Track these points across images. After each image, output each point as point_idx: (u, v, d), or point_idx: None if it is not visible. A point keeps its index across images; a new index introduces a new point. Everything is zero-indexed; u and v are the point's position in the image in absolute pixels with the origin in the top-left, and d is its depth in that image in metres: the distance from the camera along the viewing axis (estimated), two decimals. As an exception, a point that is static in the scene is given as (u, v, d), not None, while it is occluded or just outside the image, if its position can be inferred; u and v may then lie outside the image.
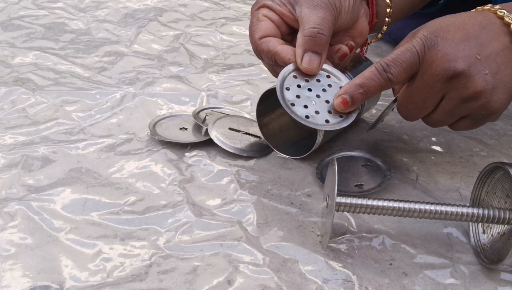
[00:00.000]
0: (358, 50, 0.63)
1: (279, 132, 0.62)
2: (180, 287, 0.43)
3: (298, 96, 0.51)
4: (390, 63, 0.48)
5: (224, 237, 0.48)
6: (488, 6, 0.50)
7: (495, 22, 0.48)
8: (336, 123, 0.50)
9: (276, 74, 0.54)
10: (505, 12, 0.48)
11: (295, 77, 0.52)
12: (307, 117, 0.50)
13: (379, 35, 0.62)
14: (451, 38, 0.47)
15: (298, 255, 0.46)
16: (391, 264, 0.46)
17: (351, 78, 0.59)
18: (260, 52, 0.53)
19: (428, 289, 0.44)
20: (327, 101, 0.51)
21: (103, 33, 0.91)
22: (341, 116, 0.51)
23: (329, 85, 0.52)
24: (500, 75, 0.47)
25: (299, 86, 0.51)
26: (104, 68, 0.79)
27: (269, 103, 0.60)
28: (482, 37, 0.47)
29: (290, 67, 0.52)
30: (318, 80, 0.52)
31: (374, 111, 0.70)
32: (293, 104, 0.50)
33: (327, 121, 0.50)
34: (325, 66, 0.53)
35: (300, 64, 0.51)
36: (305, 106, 0.50)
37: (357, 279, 0.44)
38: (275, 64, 0.53)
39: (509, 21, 0.48)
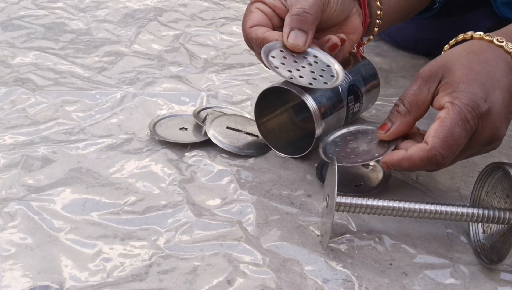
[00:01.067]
0: (355, 50, 0.63)
1: (277, 131, 0.62)
2: (180, 287, 0.43)
3: (283, 63, 0.52)
4: (446, 154, 0.45)
5: (224, 237, 0.48)
6: (487, 37, 0.49)
7: (507, 59, 0.48)
8: (320, 85, 0.52)
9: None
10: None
11: (281, 51, 0.53)
12: (290, 78, 0.51)
13: (371, 37, 0.63)
14: (497, 100, 0.46)
15: (298, 255, 0.46)
16: (391, 264, 0.46)
17: (347, 75, 0.60)
18: (250, 41, 0.54)
19: (428, 289, 0.44)
20: (312, 72, 0.52)
21: (103, 33, 0.91)
22: (325, 83, 0.52)
23: (316, 62, 0.53)
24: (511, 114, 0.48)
25: (284, 58, 0.53)
26: (104, 68, 0.79)
27: (267, 102, 0.60)
28: (509, 83, 0.47)
29: (278, 43, 0.53)
30: (305, 58, 0.53)
31: (374, 111, 0.70)
32: (277, 67, 0.51)
33: (311, 84, 0.52)
34: (314, 49, 0.53)
35: (286, 41, 0.52)
36: (289, 71, 0.51)
37: (357, 279, 0.44)
38: None
39: None
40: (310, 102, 0.55)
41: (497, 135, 0.47)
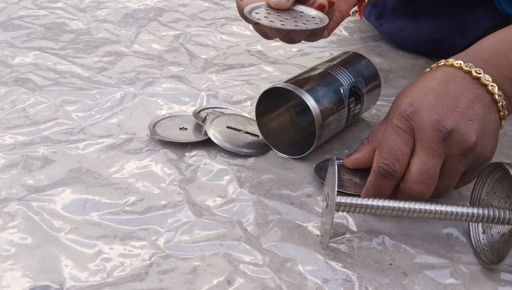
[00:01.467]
0: (357, 12, 0.63)
1: (278, 131, 0.62)
2: (180, 287, 0.43)
3: (265, 17, 0.53)
4: (389, 161, 0.47)
5: (224, 237, 0.48)
6: (442, 62, 0.51)
7: (457, 74, 0.49)
8: (302, 27, 0.52)
9: (262, 33, 0.56)
10: (461, 62, 0.49)
11: (266, 10, 0.54)
12: (271, 23, 0.52)
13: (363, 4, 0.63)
14: (427, 102, 0.47)
15: (298, 255, 0.46)
16: (391, 264, 0.46)
17: (346, 72, 0.60)
18: (242, 12, 0.55)
19: (428, 289, 0.44)
20: (296, 22, 0.53)
21: (103, 33, 0.91)
22: (308, 27, 0.53)
23: (301, 16, 0.54)
24: (483, 121, 0.47)
25: (269, 13, 0.54)
26: (104, 68, 0.79)
27: (268, 103, 0.60)
28: (451, 92, 0.47)
29: (263, 4, 0.54)
30: (290, 13, 0.54)
31: (374, 111, 0.70)
32: (259, 19, 0.52)
33: (295, 27, 0.52)
34: (299, 7, 0.55)
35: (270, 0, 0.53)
36: (271, 21, 0.52)
37: (357, 279, 0.44)
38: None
39: (469, 69, 0.48)
40: (311, 103, 0.55)
41: (441, 128, 0.45)
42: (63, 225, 0.49)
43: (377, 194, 0.49)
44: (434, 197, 0.49)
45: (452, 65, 0.49)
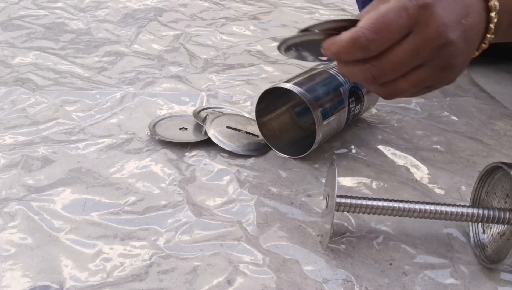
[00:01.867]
0: None
1: (278, 132, 0.62)
2: (180, 287, 0.43)
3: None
4: (372, 37, 0.42)
5: (224, 237, 0.48)
6: None
7: None
8: None
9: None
10: None
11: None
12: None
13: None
14: (445, 0, 0.43)
15: (298, 255, 0.46)
16: (391, 264, 0.46)
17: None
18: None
19: (428, 289, 0.44)
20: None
21: (103, 33, 0.91)
22: None
23: None
24: (471, 49, 0.46)
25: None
26: (104, 68, 0.79)
27: (268, 103, 0.60)
28: (468, 7, 0.45)
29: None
30: None
31: (374, 111, 0.70)
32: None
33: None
34: None
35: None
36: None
37: (357, 279, 0.44)
38: None
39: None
40: (311, 103, 0.55)
41: (447, 36, 0.43)
42: (63, 225, 0.49)
43: (335, 54, 0.44)
44: (383, 97, 0.47)
45: None
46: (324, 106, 0.56)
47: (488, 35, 0.47)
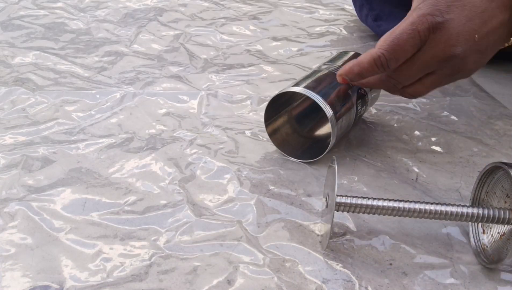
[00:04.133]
0: None
1: (288, 138, 0.61)
2: (180, 287, 0.43)
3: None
4: (389, 56, 0.48)
5: (224, 237, 0.48)
6: None
7: None
8: None
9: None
10: None
11: None
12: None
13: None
14: (457, 17, 0.47)
15: (298, 255, 0.46)
16: (391, 264, 0.46)
17: None
18: None
19: (428, 289, 0.44)
20: None
21: (103, 33, 0.91)
22: None
23: None
24: (487, 53, 0.49)
25: None
26: (104, 68, 0.79)
27: (274, 109, 0.59)
28: (485, 14, 0.47)
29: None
30: None
31: (374, 111, 0.70)
32: None
33: None
34: None
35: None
36: None
37: (357, 279, 0.44)
38: None
39: None
40: (327, 109, 0.54)
41: (452, 53, 0.48)
42: (63, 225, 0.49)
43: (359, 74, 0.51)
44: (403, 96, 0.54)
45: None
46: (339, 112, 0.56)
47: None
